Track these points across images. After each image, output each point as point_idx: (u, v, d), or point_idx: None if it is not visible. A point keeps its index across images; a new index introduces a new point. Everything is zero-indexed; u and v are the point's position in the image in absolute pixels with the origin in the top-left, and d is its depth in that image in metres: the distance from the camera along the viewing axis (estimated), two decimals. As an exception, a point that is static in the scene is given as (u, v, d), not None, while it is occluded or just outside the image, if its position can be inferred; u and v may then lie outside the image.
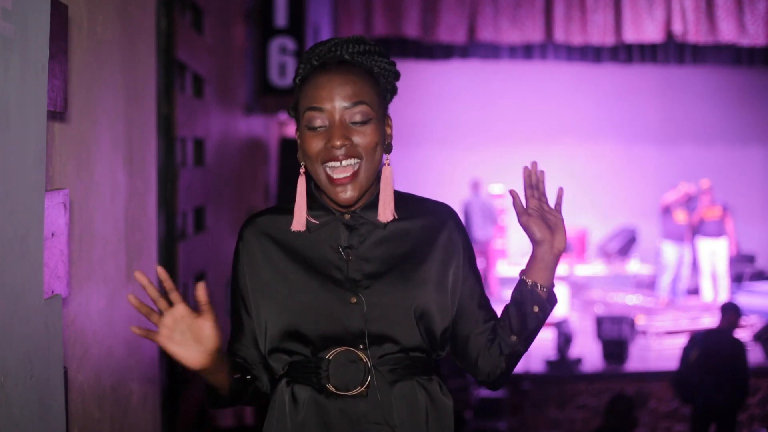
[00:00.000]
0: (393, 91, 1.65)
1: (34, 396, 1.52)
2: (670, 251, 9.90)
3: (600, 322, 7.76)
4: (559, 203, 1.72)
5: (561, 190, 1.74)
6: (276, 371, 1.62)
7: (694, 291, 10.31)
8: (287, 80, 6.15)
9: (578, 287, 10.37)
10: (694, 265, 10.28)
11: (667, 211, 9.93)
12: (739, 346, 6.00)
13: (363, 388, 1.55)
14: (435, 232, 1.63)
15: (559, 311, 9.03)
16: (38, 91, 1.52)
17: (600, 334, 7.71)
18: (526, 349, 1.69)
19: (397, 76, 1.64)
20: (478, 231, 10.38)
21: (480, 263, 8.61)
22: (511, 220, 11.56)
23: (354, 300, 1.56)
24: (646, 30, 9.05)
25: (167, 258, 3.37)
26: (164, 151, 3.32)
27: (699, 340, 6.00)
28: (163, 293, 1.49)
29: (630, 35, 9.07)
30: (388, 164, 1.61)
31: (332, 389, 1.56)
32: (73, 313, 2.06)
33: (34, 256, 1.52)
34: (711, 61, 9.74)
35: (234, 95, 5.26)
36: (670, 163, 12.33)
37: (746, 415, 7.12)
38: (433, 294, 1.59)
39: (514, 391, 7.16)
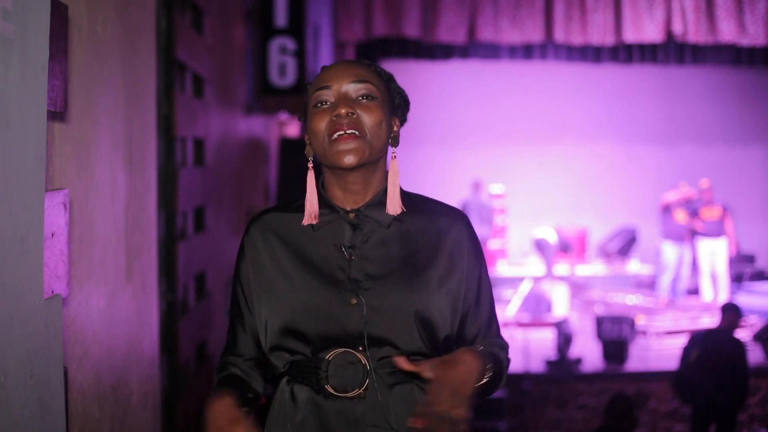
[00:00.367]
0: (403, 109, 1.68)
1: (34, 396, 1.52)
2: (670, 251, 9.90)
3: (600, 322, 7.75)
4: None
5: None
6: (277, 369, 1.62)
7: (694, 291, 10.30)
8: (287, 80, 6.15)
9: (578, 287, 10.37)
10: (694, 265, 10.28)
11: (667, 210, 9.93)
12: (739, 346, 6.00)
13: (361, 390, 1.55)
14: (442, 236, 1.62)
15: (559, 311, 9.03)
16: (38, 91, 1.52)
17: (600, 334, 7.71)
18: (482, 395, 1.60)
19: (405, 101, 1.68)
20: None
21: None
22: (511, 220, 11.58)
23: (354, 301, 1.55)
24: (646, 30, 9.05)
25: (167, 258, 3.37)
26: (164, 151, 3.32)
27: (699, 340, 6.00)
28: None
29: (630, 35, 9.07)
30: (395, 157, 1.62)
31: (331, 390, 1.56)
32: (73, 313, 2.06)
33: (34, 256, 1.52)
34: (711, 61, 9.74)
35: (234, 95, 5.26)
36: (670, 163, 12.33)
37: (746, 415, 7.12)
38: (435, 299, 1.58)
39: (514, 391, 7.16)
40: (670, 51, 9.53)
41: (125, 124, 2.61)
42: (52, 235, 1.70)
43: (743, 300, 9.43)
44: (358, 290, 1.56)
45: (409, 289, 1.57)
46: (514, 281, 10.19)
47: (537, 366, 7.52)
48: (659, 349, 8.11)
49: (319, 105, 1.58)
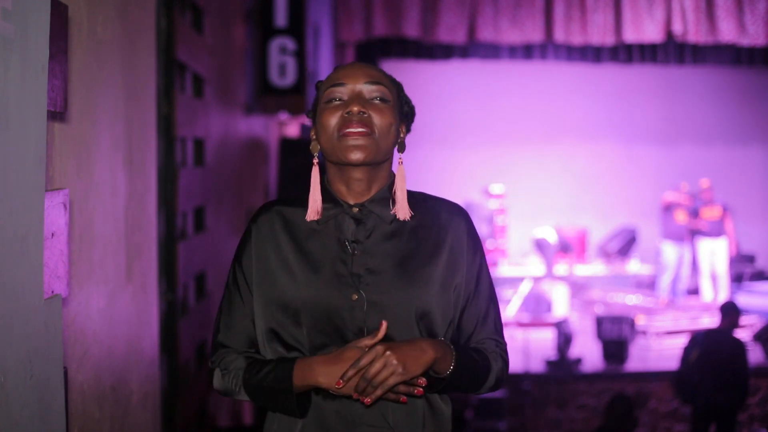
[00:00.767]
0: (410, 119, 1.69)
1: (34, 396, 1.52)
2: (670, 251, 9.90)
3: (600, 322, 7.76)
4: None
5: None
6: None
7: (694, 291, 10.31)
8: (287, 80, 6.15)
9: (578, 287, 10.37)
10: (694, 265, 10.28)
11: (667, 210, 9.93)
12: (739, 346, 6.00)
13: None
14: (443, 232, 1.63)
15: (559, 311, 9.03)
16: (38, 91, 1.52)
17: (600, 334, 7.71)
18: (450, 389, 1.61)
19: (412, 112, 1.70)
20: None
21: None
22: (511, 220, 11.58)
23: (355, 297, 1.55)
24: (646, 30, 9.05)
25: (167, 258, 3.37)
26: (164, 151, 3.32)
27: (699, 340, 6.00)
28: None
29: (630, 35, 9.07)
30: (401, 163, 1.63)
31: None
32: (73, 313, 2.06)
33: (34, 256, 1.52)
34: (711, 61, 9.74)
35: (234, 95, 5.26)
36: (670, 163, 12.33)
37: (746, 415, 7.12)
38: (436, 295, 1.58)
39: (514, 391, 7.16)
40: (670, 51, 9.53)
41: (125, 124, 2.61)
42: (52, 235, 1.70)
43: (743, 300, 9.43)
44: (359, 285, 1.56)
45: (411, 286, 1.57)
46: (514, 281, 10.19)
47: (537, 366, 7.52)
48: (659, 349, 8.12)
49: (331, 101, 1.60)
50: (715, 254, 9.91)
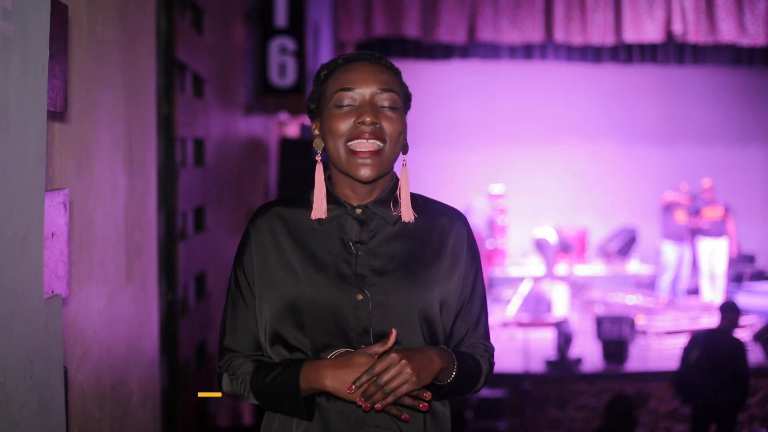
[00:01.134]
0: (406, 108, 1.67)
1: (34, 396, 1.52)
2: (670, 251, 9.90)
3: (600, 322, 7.76)
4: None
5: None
6: None
7: (694, 291, 10.31)
8: (287, 80, 6.15)
9: (578, 287, 10.37)
10: (694, 265, 10.28)
11: (667, 210, 9.93)
12: (739, 346, 6.00)
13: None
14: (444, 235, 1.63)
15: (559, 311, 9.03)
16: (38, 91, 1.52)
17: (600, 334, 7.71)
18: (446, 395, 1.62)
19: (409, 98, 1.68)
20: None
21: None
22: (511, 220, 11.57)
23: (360, 297, 1.55)
24: (646, 30, 9.05)
25: (167, 258, 3.37)
26: (164, 151, 3.32)
27: (699, 340, 6.00)
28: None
29: (630, 35, 9.07)
30: (405, 164, 1.63)
31: None
32: (73, 313, 2.06)
33: (34, 256, 1.52)
34: (711, 61, 9.74)
35: (234, 95, 5.26)
36: (670, 163, 12.33)
37: (746, 415, 7.12)
38: (438, 297, 1.59)
39: (514, 391, 7.16)
40: (670, 51, 9.52)
41: (125, 124, 2.61)
42: (52, 235, 1.70)
43: (743, 300, 9.43)
44: (363, 286, 1.56)
45: (414, 287, 1.58)
46: (514, 281, 10.19)
47: (537, 366, 7.52)
48: (659, 349, 8.12)
49: (341, 107, 1.57)
50: (714, 254, 9.91)
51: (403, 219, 1.61)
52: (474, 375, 1.63)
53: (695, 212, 9.92)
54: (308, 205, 1.62)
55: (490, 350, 1.70)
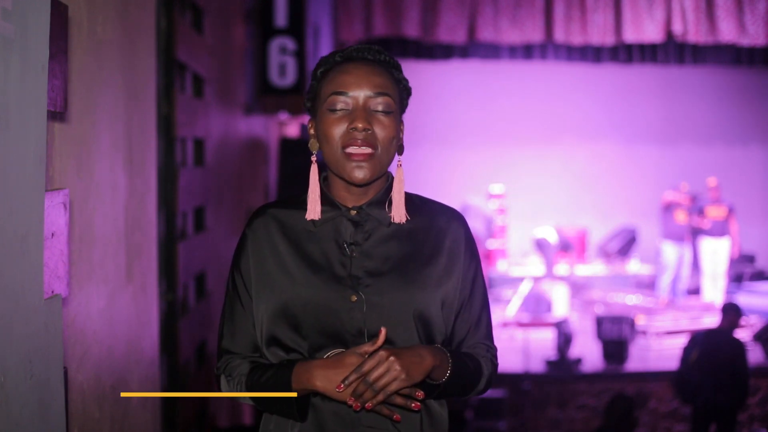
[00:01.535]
0: (404, 106, 1.67)
1: (34, 396, 1.52)
2: (670, 251, 9.90)
3: (600, 322, 7.76)
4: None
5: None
6: None
7: (695, 291, 10.31)
8: (287, 80, 6.15)
9: (578, 287, 10.37)
10: (695, 265, 10.27)
11: (667, 210, 9.93)
12: (739, 347, 6.00)
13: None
14: (441, 235, 1.63)
15: (559, 311, 9.03)
16: (38, 91, 1.52)
17: (600, 334, 7.71)
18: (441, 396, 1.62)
19: (409, 92, 1.67)
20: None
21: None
22: (511, 220, 11.57)
23: (354, 298, 1.55)
24: (646, 30, 9.05)
25: (167, 258, 3.37)
26: (164, 151, 3.32)
27: (699, 341, 6.00)
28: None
29: (630, 35, 9.07)
30: (400, 165, 1.62)
31: None
32: (73, 313, 2.06)
33: (34, 256, 1.52)
34: (711, 61, 9.74)
35: (234, 95, 5.26)
36: (670, 163, 12.33)
37: (746, 415, 7.12)
38: (433, 297, 1.59)
39: (514, 391, 7.16)
40: (670, 51, 9.52)
41: (125, 124, 2.61)
42: (52, 235, 1.70)
43: (743, 300, 9.43)
44: (358, 287, 1.56)
45: (409, 287, 1.57)
46: (514, 281, 10.19)
47: (537, 366, 7.52)
48: (659, 349, 8.12)
49: (335, 111, 1.56)
50: (716, 254, 9.91)
51: (394, 220, 1.61)
52: (473, 375, 1.62)
53: (699, 211, 9.91)
54: (304, 206, 1.63)
55: (492, 351, 1.69)
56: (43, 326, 1.57)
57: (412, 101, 1.69)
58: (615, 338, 7.65)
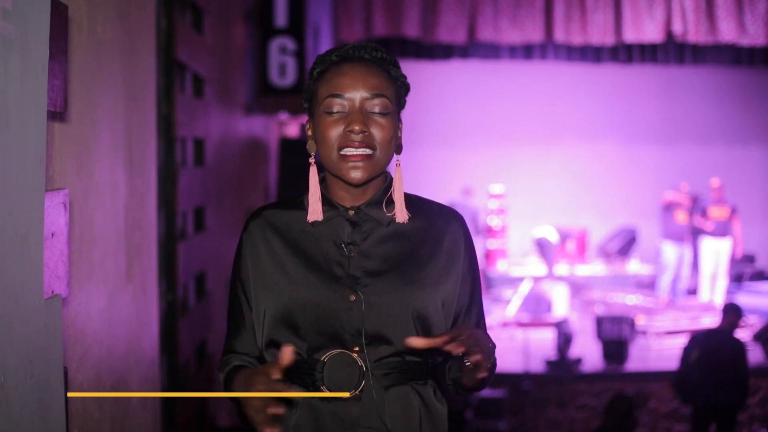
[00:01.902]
0: (402, 103, 1.66)
1: (34, 396, 1.52)
2: (670, 251, 9.90)
3: (600, 322, 7.76)
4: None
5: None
6: None
7: (694, 291, 10.31)
8: (287, 80, 6.15)
9: (578, 287, 10.37)
10: (695, 265, 10.27)
11: (667, 210, 9.92)
12: (739, 346, 6.00)
13: (357, 392, 1.54)
14: (440, 235, 1.63)
15: (559, 311, 9.03)
16: (38, 91, 1.52)
17: (600, 334, 7.71)
18: (462, 394, 1.65)
19: (407, 89, 1.66)
20: None
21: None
22: (511, 220, 11.57)
23: (353, 298, 1.55)
24: (646, 30, 9.05)
25: (167, 258, 3.37)
26: (164, 151, 3.32)
27: (699, 341, 6.00)
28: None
29: (630, 35, 9.07)
30: (399, 165, 1.62)
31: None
32: (73, 313, 2.06)
33: (34, 256, 1.52)
34: (711, 61, 9.74)
35: (234, 95, 5.26)
36: (670, 163, 12.33)
37: (746, 415, 7.12)
38: (432, 297, 1.59)
39: (514, 391, 7.16)
40: (670, 51, 9.53)
41: (125, 124, 2.61)
42: (52, 235, 1.70)
43: (743, 300, 9.43)
44: (356, 287, 1.56)
45: (408, 287, 1.57)
46: (514, 281, 10.19)
47: (537, 366, 7.52)
48: (659, 349, 8.12)
49: (331, 113, 1.56)
50: (718, 254, 9.90)
51: (396, 220, 1.61)
52: (493, 372, 1.63)
53: (702, 211, 9.90)
54: (302, 207, 1.63)
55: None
56: (43, 326, 1.57)
57: (411, 101, 1.69)
58: (615, 338, 7.65)
